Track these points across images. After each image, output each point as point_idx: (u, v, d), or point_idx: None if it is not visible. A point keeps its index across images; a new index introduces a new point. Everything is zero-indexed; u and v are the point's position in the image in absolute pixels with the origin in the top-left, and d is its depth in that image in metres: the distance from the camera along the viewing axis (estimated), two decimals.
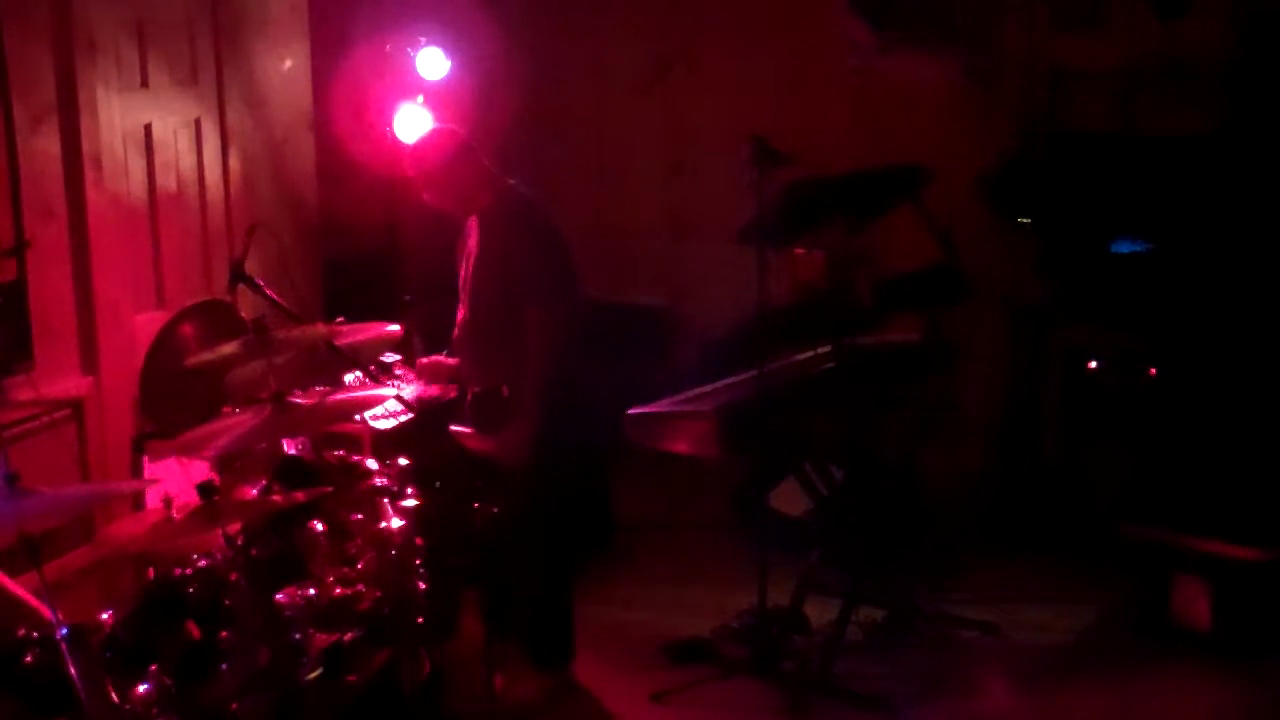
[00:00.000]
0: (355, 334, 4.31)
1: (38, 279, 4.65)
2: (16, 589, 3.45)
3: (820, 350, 5.15)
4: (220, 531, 3.55)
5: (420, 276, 6.03)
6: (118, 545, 4.15)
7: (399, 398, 4.46)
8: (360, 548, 3.99)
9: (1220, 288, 5.59)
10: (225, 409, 4.09)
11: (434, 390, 5.01)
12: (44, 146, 4.69)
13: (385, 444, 4.78)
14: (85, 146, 4.81)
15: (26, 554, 3.04)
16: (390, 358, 5.17)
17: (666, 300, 7.15)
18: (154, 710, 3.28)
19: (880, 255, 5.44)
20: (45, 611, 3.12)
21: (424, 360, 5.10)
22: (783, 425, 4.96)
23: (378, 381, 4.48)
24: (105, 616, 3.48)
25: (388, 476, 4.26)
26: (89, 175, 4.82)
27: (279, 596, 3.63)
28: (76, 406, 4.80)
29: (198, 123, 5.41)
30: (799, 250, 5.40)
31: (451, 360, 5.05)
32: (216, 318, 4.86)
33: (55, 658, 3.03)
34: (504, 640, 4.58)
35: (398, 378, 5.06)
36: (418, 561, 4.05)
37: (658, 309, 7.13)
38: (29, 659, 3.23)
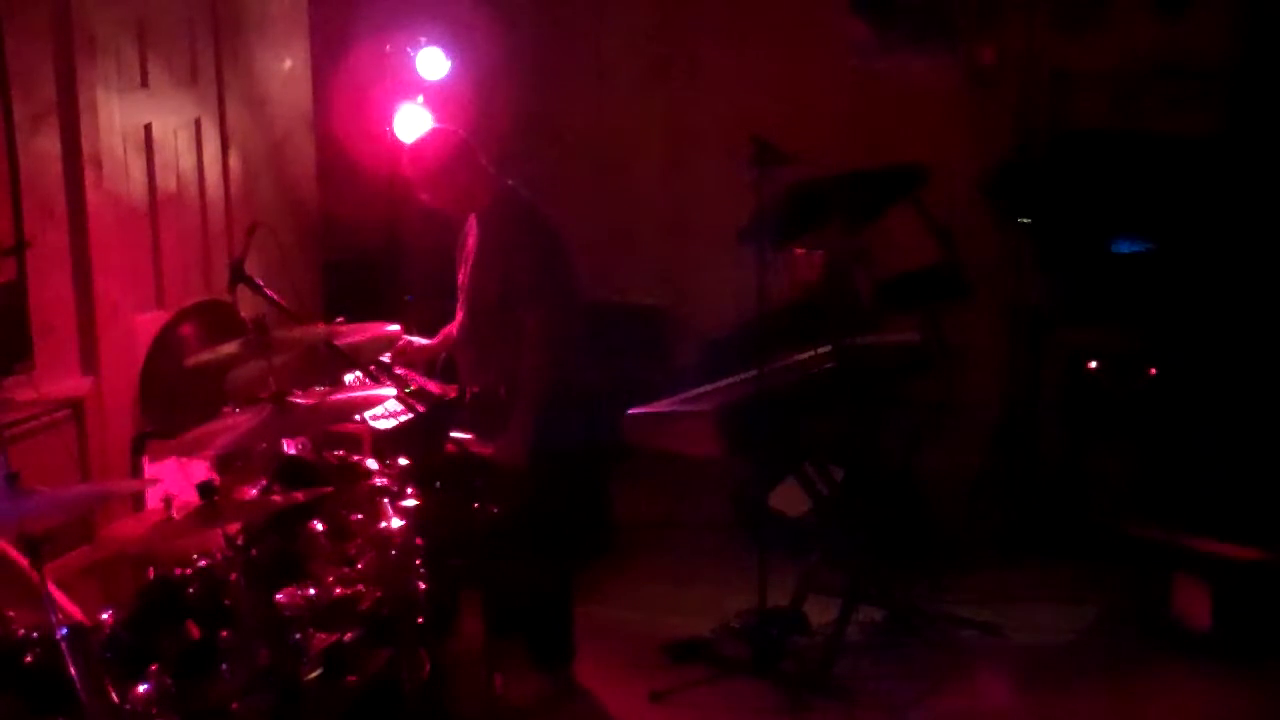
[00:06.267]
0: (355, 334, 4.31)
1: (38, 279, 4.65)
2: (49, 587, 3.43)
3: (820, 350, 5.15)
4: (220, 531, 3.55)
5: (420, 276, 6.03)
6: (118, 545, 4.15)
7: (401, 396, 4.46)
8: (360, 548, 3.98)
9: (1220, 288, 5.59)
10: (225, 409, 4.09)
11: (435, 388, 5.02)
12: (44, 146, 4.69)
13: (385, 444, 4.78)
14: (85, 146, 4.81)
15: (26, 554, 3.04)
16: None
17: (666, 300, 7.15)
18: (154, 710, 3.27)
19: (880, 255, 5.44)
20: (73, 610, 3.12)
21: (399, 344, 5.08)
22: (783, 425, 4.96)
23: (378, 381, 4.47)
24: (105, 616, 3.47)
25: (388, 476, 4.25)
26: (89, 175, 4.83)
27: (279, 596, 3.63)
28: (76, 406, 4.81)
29: (198, 123, 5.41)
30: (799, 250, 5.40)
31: (426, 342, 5.05)
32: (216, 318, 4.87)
33: (55, 658, 3.03)
34: (504, 640, 4.58)
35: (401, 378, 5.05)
36: (418, 561, 4.05)
37: (658, 309, 7.13)
38: (29, 659, 3.23)
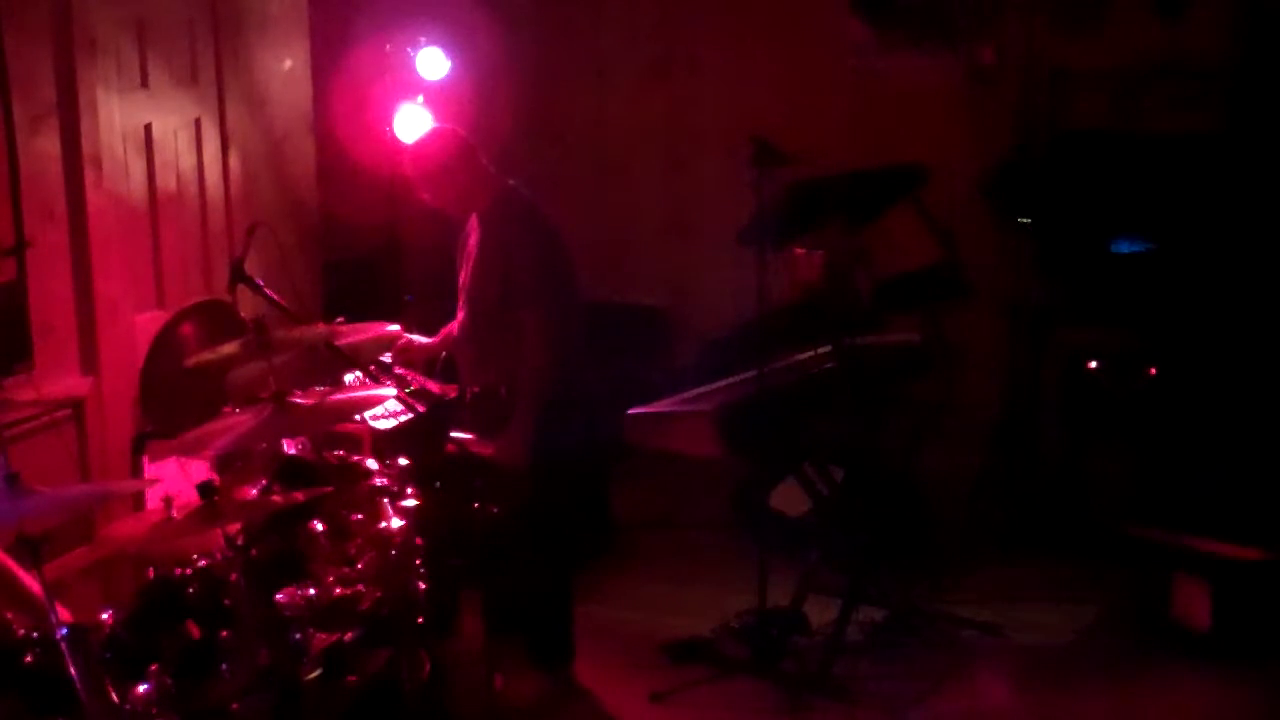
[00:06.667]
0: (355, 334, 4.31)
1: (38, 279, 4.65)
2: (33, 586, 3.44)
3: (820, 350, 5.15)
4: (220, 531, 3.55)
5: (420, 276, 6.03)
6: (118, 545, 4.14)
7: (401, 396, 4.46)
8: (360, 548, 3.98)
9: (1220, 288, 5.59)
10: (225, 409, 4.08)
11: (435, 388, 5.02)
12: (44, 147, 4.68)
13: (385, 444, 4.78)
14: (85, 147, 4.80)
15: (26, 554, 3.04)
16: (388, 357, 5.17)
17: (666, 300, 7.15)
18: (154, 710, 3.27)
19: (880, 255, 5.44)
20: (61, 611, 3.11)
21: (400, 342, 5.08)
22: (783, 425, 4.96)
23: (378, 381, 4.48)
24: (105, 616, 3.47)
25: (388, 476, 4.25)
26: (89, 176, 4.82)
27: (279, 596, 3.63)
28: (76, 406, 4.80)
29: (198, 123, 5.41)
30: (799, 250, 5.40)
31: (426, 342, 5.06)
32: (216, 318, 4.86)
33: (55, 658, 3.03)
34: (504, 640, 4.59)
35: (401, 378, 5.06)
36: (418, 561, 4.05)
37: (658, 309, 7.13)
38: (29, 659, 3.23)
